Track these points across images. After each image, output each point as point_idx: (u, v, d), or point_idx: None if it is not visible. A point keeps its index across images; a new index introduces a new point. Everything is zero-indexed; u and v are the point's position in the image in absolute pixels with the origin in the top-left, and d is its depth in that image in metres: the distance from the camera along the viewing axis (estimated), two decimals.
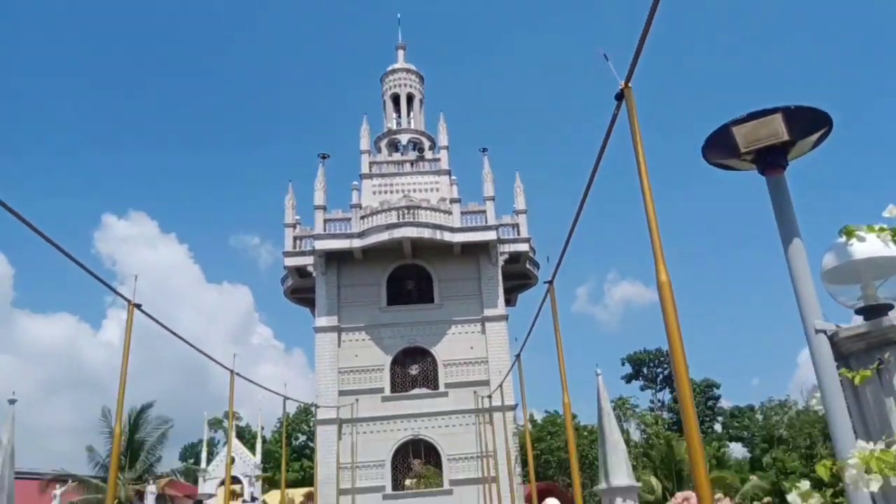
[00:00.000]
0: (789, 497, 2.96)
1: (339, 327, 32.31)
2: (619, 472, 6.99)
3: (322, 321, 32.30)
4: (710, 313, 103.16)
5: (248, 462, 56.91)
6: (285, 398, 22.54)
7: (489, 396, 29.37)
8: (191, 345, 12.10)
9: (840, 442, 3.08)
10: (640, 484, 7.22)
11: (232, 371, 14.85)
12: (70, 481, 33.87)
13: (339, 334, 32.25)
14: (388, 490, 30.76)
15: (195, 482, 59.85)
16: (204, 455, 58.56)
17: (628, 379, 66.06)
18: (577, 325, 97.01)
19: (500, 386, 26.57)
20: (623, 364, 66.72)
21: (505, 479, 28.93)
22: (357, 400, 31.17)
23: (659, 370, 66.01)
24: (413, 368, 32.53)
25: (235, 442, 60.46)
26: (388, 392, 31.87)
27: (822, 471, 2.90)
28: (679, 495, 6.62)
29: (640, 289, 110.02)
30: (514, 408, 30.89)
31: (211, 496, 40.21)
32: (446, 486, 30.95)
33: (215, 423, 74.77)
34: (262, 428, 69.12)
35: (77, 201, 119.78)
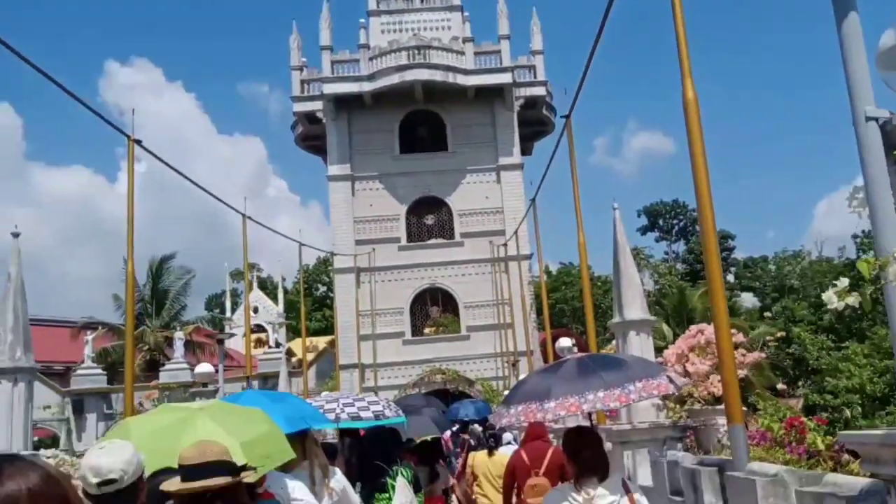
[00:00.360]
0: (824, 296, 2.67)
1: (353, 176, 32.04)
2: (634, 306, 6.78)
3: (335, 169, 32.01)
4: (728, 162, 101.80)
5: (270, 311, 58.80)
6: (301, 244, 22.71)
7: (504, 245, 29.47)
8: (198, 185, 11.88)
9: (883, 237, 2.77)
10: (654, 318, 7.04)
11: (244, 215, 14.75)
12: (100, 328, 35.20)
13: (353, 183, 32.04)
14: (408, 336, 31.73)
15: (222, 331, 62.49)
16: (228, 305, 60.59)
17: (643, 231, 66.11)
18: (594, 177, 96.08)
19: (516, 233, 26.47)
20: (639, 216, 66.50)
21: (520, 326, 29.67)
22: (374, 249, 31.46)
23: (674, 222, 65.87)
24: (428, 218, 32.53)
25: (257, 292, 62.40)
26: (404, 242, 32.08)
27: (863, 267, 2.59)
28: (693, 328, 6.43)
29: (659, 138, 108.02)
30: (529, 257, 31.10)
31: (232, 335, 41.75)
32: (464, 331, 31.83)
33: (237, 275, 76.81)
34: (283, 279, 71.11)
35: (76, 45, 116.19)
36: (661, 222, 66.54)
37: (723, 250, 65.69)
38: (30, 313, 8.95)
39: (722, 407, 6.67)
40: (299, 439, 5.15)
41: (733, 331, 6.70)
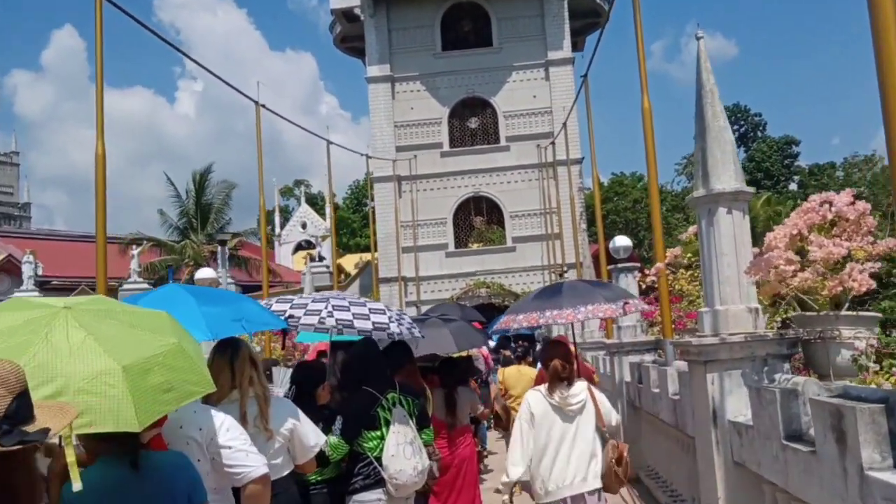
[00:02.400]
0: None
1: (392, 77, 29.72)
2: (725, 171, 4.76)
3: (374, 70, 29.72)
4: (792, 64, 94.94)
5: (318, 226, 57.90)
6: (329, 142, 20.88)
7: (552, 144, 26.96)
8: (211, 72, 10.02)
9: None
10: (752, 190, 4.97)
11: (257, 102, 12.98)
12: (145, 242, 34.56)
13: (393, 85, 29.76)
14: (451, 248, 30.02)
15: (270, 245, 62.12)
16: (277, 220, 59.92)
17: None
18: (651, 85, 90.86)
19: (565, 126, 23.82)
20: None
21: (569, 236, 27.62)
22: (415, 156, 29.44)
23: (735, 126, 61.77)
24: (472, 121, 30.20)
25: (305, 207, 61.47)
26: (446, 147, 29.93)
27: None
28: (815, 198, 4.38)
29: (720, 42, 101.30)
30: (579, 161, 28.66)
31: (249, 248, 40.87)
32: (509, 243, 29.95)
33: (286, 192, 76.18)
34: (335, 195, 70.06)
35: None
36: None
37: (786, 157, 61.76)
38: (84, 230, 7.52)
39: (851, 314, 4.70)
40: (226, 355, 3.42)
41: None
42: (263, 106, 13.13)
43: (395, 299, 27.71)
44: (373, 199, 31.32)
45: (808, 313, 4.91)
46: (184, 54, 12.55)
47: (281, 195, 71.87)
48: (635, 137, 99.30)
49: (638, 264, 9.29)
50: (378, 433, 4.22)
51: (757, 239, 9.22)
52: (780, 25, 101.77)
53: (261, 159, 13.03)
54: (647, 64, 8.08)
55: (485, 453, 12.06)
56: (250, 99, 12.94)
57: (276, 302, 4.51)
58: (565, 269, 26.61)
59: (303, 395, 4.30)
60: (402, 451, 4.23)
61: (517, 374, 9.19)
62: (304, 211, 60.15)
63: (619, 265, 9.31)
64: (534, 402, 4.81)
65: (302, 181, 79.45)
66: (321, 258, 38.41)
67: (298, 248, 58.40)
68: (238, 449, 2.85)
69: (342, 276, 42.10)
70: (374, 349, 4.53)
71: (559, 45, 29.19)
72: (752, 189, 5.04)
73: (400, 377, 5.39)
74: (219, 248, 32.33)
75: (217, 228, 38.71)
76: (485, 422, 15.39)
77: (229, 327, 3.28)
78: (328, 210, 53.78)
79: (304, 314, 4.29)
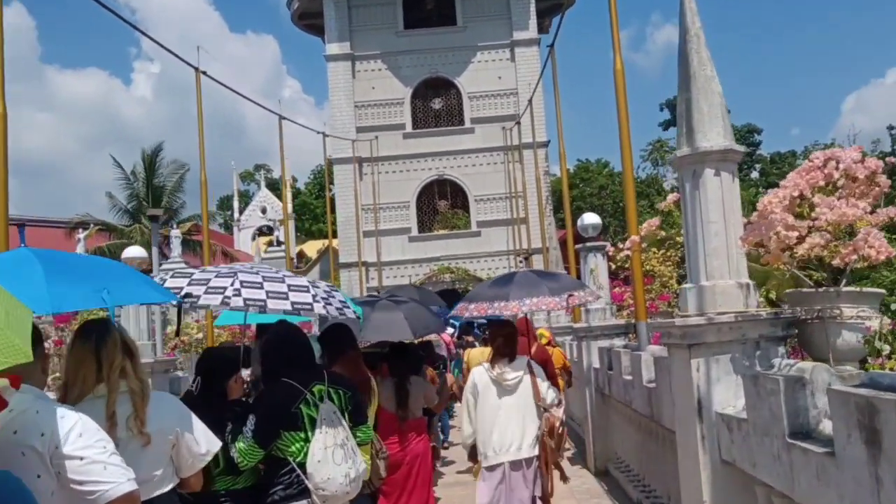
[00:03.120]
0: None
1: (353, 55, 28.73)
2: (713, 126, 4.13)
3: (333, 48, 28.69)
4: (751, 55, 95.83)
5: (278, 211, 56.61)
6: (281, 117, 19.89)
7: (517, 124, 26.23)
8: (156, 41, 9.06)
9: None
10: (742, 149, 4.31)
11: (197, 69, 12.03)
12: (92, 226, 33.10)
13: (353, 63, 28.77)
14: (414, 232, 29.26)
15: (229, 230, 60.63)
16: (236, 205, 58.44)
17: (666, 125, 62.33)
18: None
19: (530, 104, 23.13)
20: (661, 109, 62.57)
21: (536, 221, 27.07)
22: (376, 137, 28.54)
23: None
24: (436, 102, 29.38)
25: (265, 191, 60.06)
26: (409, 128, 29.09)
27: None
28: (818, 155, 3.74)
29: None
30: (545, 145, 28.08)
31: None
32: (474, 227, 29.30)
33: (247, 176, 74.49)
34: (296, 180, 68.73)
35: None
36: None
37: (748, 145, 62.09)
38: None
39: (853, 290, 4.10)
40: (90, 340, 2.65)
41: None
42: (204, 73, 12.22)
43: (355, 285, 26.89)
44: (333, 183, 30.39)
45: (803, 290, 4.30)
46: (130, 25, 11.61)
47: (241, 179, 70.28)
48: (601, 126, 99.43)
49: (606, 244, 8.67)
50: (301, 434, 3.49)
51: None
52: (739, 14, 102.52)
53: (201, 131, 12.15)
54: (612, 53, 7.41)
55: (446, 445, 11.41)
56: (189, 64, 12.11)
57: (172, 277, 3.71)
58: (530, 253, 26.06)
59: (211, 387, 3.54)
60: (331, 455, 3.51)
61: (481, 356, 8.75)
62: (263, 195, 58.74)
63: (588, 244, 8.67)
64: (477, 375, 5.38)
65: (262, 165, 77.83)
66: (279, 243, 37.38)
67: (260, 233, 57.10)
68: (93, 460, 2.10)
69: (303, 262, 41.13)
70: (294, 332, 3.78)
71: (525, 26, 28.49)
72: (742, 148, 4.39)
73: (340, 366, 4.67)
74: (172, 233, 31.10)
75: (171, 211, 37.45)
76: (448, 410, 14.76)
77: (83, 299, 2.53)
78: (288, 194, 52.54)
79: (206, 292, 3.47)
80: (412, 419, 5.93)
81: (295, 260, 43.32)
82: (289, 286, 3.78)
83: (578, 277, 9.27)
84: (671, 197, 5.22)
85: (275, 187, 66.99)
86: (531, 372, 5.26)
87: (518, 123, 26.11)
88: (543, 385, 5.30)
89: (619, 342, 8.23)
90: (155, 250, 10.22)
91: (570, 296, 5.93)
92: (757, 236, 3.66)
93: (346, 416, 3.72)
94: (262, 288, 3.55)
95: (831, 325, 4.13)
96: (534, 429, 5.18)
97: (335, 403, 3.67)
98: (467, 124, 28.97)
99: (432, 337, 8.74)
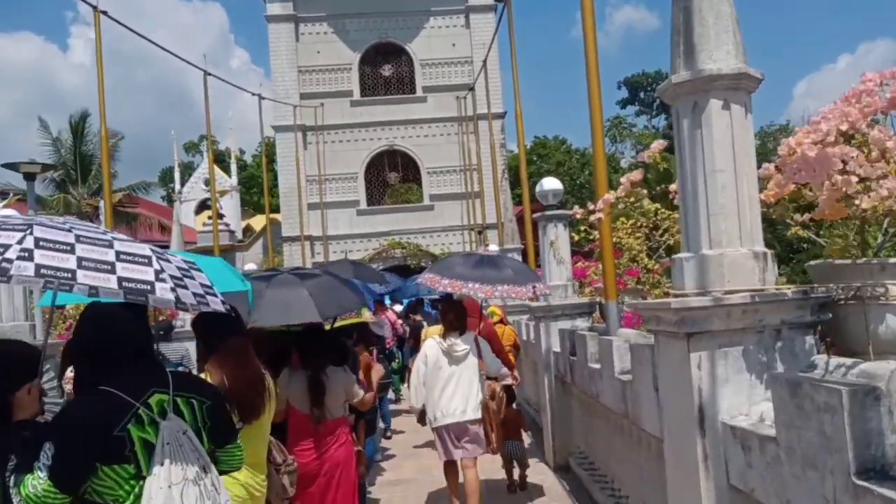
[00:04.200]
0: None
1: (296, 16, 27.03)
2: (721, 43, 3.05)
3: (275, 8, 26.94)
4: None
5: (223, 183, 54.42)
6: (206, 73, 18.29)
7: (471, 90, 24.99)
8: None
9: None
10: (760, 74, 3.24)
11: (95, 7, 10.50)
12: (11, 195, 30.80)
13: (297, 25, 27.09)
14: (363, 205, 27.94)
15: (169, 202, 58.15)
16: (177, 177, 56.03)
17: (623, 104, 62.00)
18: (574, 52, 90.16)
19: (485, 65, 21.94)
20: (619, 88, 62.20)
21: (491, 195, 26.01)
22: (322, 104, 27.02)
23: (656, 94, 61.51)
24: (386, 69, 27.94)
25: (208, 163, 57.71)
26: (357, 96, 27.60)
27: None
28: (871, 75, 2.68)
29: (642, 14, 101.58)
30: (502, 116, 26.98)
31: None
32: (426, 201, 28.13)
33: (191, 147, 71.68)
34: (243, 152, 66.32)
35: None
36: (642, 95, 62.35)
37: None
38: None
39: None
40: None
41: None
42: (103, 13, 10.87)
43: (298, 260, 25.51)
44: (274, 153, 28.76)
45: (836, 261, 3.29)
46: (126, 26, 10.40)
47: (185, 151, 67.53)
48: (558, 104, 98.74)
49: (569, 212, 7.62)
50: (130, 469, 2.34)
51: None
52: None
53: (101, 75, 10.78)
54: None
55: (388, 434, 10.34)
56: (87, 3, 10.75)
57: None
58: (484, 227, 25.04)
59: None
60: (179, 495, 2.36)
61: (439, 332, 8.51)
62: (207, 167, 56.35)
63: (548, 213, 7.60)
64: (429, 347, 5.96)
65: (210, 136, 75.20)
66: (220, 216, 35.62)
67: (203, 207, 54.92)
68: None
69: (248, 237, 39.40)
70: (117, 317, 2.58)
71: None
72: (759, 72, 3.32)
73: (218, 359, 3.51)
74: (100, 203, 29.13)
75: (100, 182, 35.39)
76: (391, 394, 13.69)
77: None
78: (233, 166, 50.49)
79: None
80: (331, 420, 4.82)
81: (240, 234, 41.61)
82: (119, 254, 2.53)
83: (536, 253, 8.39)
84: (655, 145, 4.14)
85: (220, 159, 64.63)
86: (477, 345, 5.91)
87: (472, 90, 24.92)
88: (488, 357, 6.00)
89: (581, 323, 7.21)
90: (31, 213, 8.81)
91: (534, 286, 6.64)
92: (804, 179, 2.60)
93: (204, 437, 2.57)
94: (71, 252, 2.33)
95: (872, 308, 3.13)
96: (477, 395, 5.83)
97: (186, 419, 2.51)
98: (419, 93, 27.64)
99: (368, 316, 7.60)
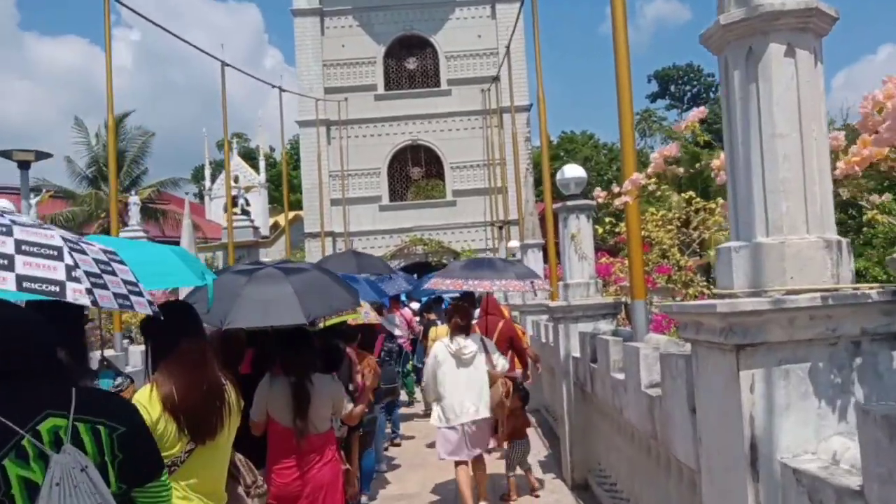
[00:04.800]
0: None
1: (322, 10, 26.48)
2: None
3: (301, 1, 26.42)
4: None
5: (252, 180, 54.41)
6: (224, 63, 17.74)
7: (495, 80, 24.12)
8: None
9: None
10: (835, 12, 2.49)
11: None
12: (44, 191, 30.77)
13: (322, 19, 26.55)
14: (385, 201, 27.33)
15: (200, 199, 58.22)
16: (207, 173, 56.11)
17: (653, 98, 60.75)
18: (603, 48, 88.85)
19: (508, 52, 21.11)
20: (649, 81, 60.99)
21: (515, 191, 25.22)
22: (346, 98, 26.44)
23: (687, 87, 60.24)
24: (410, 62, 27.27)
25: (237, 160, 57.61)
26: (381, 90, 26.99)
27: None
28: None
29: (674, 6, 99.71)
30: (527, 108, 26.18)
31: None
32: (449, 196, 27.44)
33: (223, 145, 71.92)
34: (273, 150, 66.30)
35: None
36: (672, 88, 61.03)
37: None
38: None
39: None
40: None
41: None
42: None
43: (318, 256, 24.97)
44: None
45: None
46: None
47: (218, 148, 67.65)
48: (586, 99, 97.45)
49: (592, 203, 6.87)
50: None
51: (710, 195, 6.63)
52: None
53: (109, 62, 10.26)
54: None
55: (398, 440, 9.65)
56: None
57: None
58: (505, 222, 24.26)
59: None
60: None
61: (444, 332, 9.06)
62: (236, 164, 56.25)
63: (570, 203, 6.85)
64: (438, 349, 5.99)
65: (241, 134, 75.45)
66: (244, 212, 35.38)
67: (233, 203, 54.82)
68: None
69: (274, 232, 39.05)
70: (16, 319, 1.93)
71: None
72: (834, 9, 2.55)
73: (166, 369, 2.87)
74: (130, 199, 28.98)
75: (132, 179, 35.38)
76: (403, 396, 13.02)
77: None
78: (261, 163, 50.32)
79: None
80: (315, 434, 4.16)
81: (266, 230, 41.31)
82: (19, 244, 1.88)
83: (557, 248, 7.72)
84: (694, 113, 3.39)
85: (250, 156, 64.62)
86: (483, 345, 5.98)
87: (497, 80, 24.10)
88: (494, 355, 6.03)
89: (605, 326, 6.44)
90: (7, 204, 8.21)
91: (532, 282, 7.04)
92: None
93: (112, 474, 1.90)
94: None
95: None
96: (488, 393, 5.89)
97: (88, 451, 1.84)
98: (444, 86, 26.93)
99: (374, 317, 6.91)
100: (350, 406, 4.42)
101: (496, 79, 24.13)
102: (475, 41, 26.59)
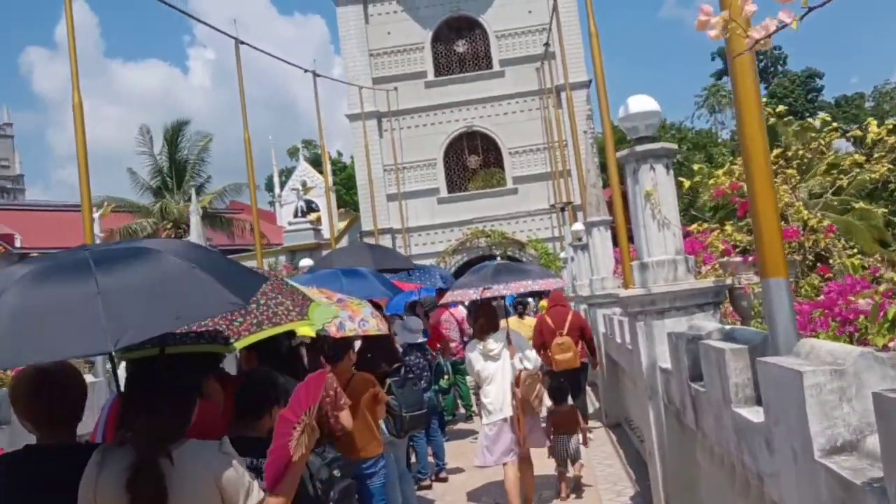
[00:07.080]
0: None
1: None
2: None
3: None
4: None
5: (320, 185, 53.64)
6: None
7: (547, 48, 21.63)
8: None
9: None
10: None
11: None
12: (105, 204, 30.19)
13: (366, 6, 24.77)
14: (443, 193, 25.38)
15: (271, 206, 57.81)
16: (276, 180, 55.61)
17: (719, 75, 56.63)
18: (665, 30, 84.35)
19: (557, 16, 18.73)
20: (713, 59, 56.84)
21: (577, 174, 22.79)
22: (395, 88, 24.60)
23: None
24: (459, 45, 25.16)
25: (304, 165, 56.87)
26: (431, 76, 25.02)
27: None
28: None
29: None
30: (587, 84, 23.68)
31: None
32: (510, 184, 25.25)
33: (294, 152, 71.73)
34: (341, 154, 65.54)
35: None
36: None
37: (810, 91, 56.07)
38: None
39: None
40: None
41: None
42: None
43: None
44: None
45: None
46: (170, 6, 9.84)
47: (289, 156, 67.37)
48: (649, 78, 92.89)
49: (672, 146, 4.63)
50: None
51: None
52: None
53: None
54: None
55: (444, 475, 7.57)
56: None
57: None
58: (568, 203, 21.80)
59: None
60: None
61: (517, 325, 8.74)
62: (303, 169, 55.51)
63: (639, 148, 4.65)
64: (470, 350, 6.10)
65: (310, 141, 75.16)
66: (303, 213, 34.07)
67: (299, 210, 54.14)
68: None
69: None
70: None
71: None
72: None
73: None
74: (190, 207, 27.86)
75: (195, 187, 34.63)
76: (461, 409, 10.92)
77: None
78: (327, 167, 49.13)
79: None
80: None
81: (334, 232, 40.01)
82: None
83: (626, 215, 5.44)
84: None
85: (317, 163, 63.89)
86: (509, 342, 5.89)
87: (552, 53, 21.63)
88: (525, 351, 5.88)
89: (706, 322, 4.18)
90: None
91: (551, 280, 7.25)
92: None
93: None
94: None
95: None
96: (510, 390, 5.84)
97: None
98: (496, 67, 24.74)
99: (374, 326, 4.86)
100: (263, 494, 2.36)
101: (547, 46, 21.72)
102: (526, 17, 24.27)
